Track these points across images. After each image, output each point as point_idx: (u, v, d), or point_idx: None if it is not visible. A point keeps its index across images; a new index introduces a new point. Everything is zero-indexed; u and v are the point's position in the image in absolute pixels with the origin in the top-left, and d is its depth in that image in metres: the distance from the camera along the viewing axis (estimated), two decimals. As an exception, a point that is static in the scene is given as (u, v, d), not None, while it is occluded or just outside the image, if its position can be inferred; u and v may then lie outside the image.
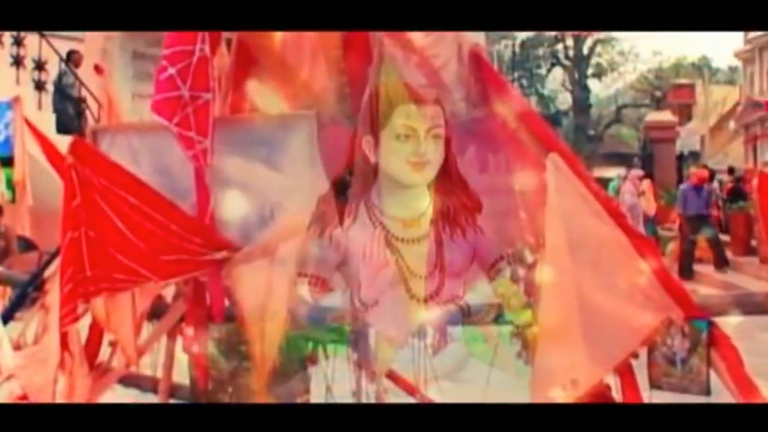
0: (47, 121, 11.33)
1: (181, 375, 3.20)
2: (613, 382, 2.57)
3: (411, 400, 3.05)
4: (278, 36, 3.06)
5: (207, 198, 2.85)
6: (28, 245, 7.56)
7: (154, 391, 3.41)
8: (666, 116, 25.52)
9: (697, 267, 16.11)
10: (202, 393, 2.93)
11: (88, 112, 12.93)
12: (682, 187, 17.23)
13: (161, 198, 2.78)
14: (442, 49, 2.88)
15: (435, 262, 2.74)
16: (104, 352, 3.28)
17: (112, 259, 2.76)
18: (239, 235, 2.85)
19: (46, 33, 12.20)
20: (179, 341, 3.19)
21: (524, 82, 43.96)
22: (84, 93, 12.98)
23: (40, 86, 12.83)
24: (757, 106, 29.98)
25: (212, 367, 2.89)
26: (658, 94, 30.70)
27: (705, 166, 19.16)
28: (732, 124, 35.00)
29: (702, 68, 46.54)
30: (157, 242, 2.76)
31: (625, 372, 2.56)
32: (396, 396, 3.14)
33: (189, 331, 3.01)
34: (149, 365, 3.36)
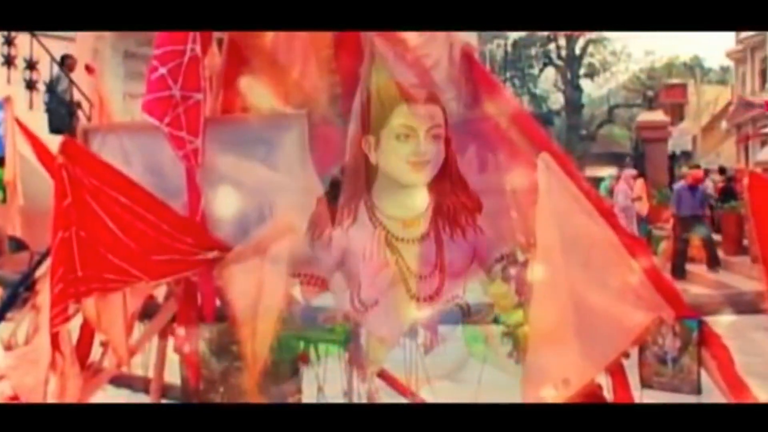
0: (38, 121, 11.30)
1: (173, 375, 3.20)
2: (604, 381, 2.58)
3: (403, 399, 3.05)
4: (269, 36, 3.06)
5: (198, 198, 2.85)
6: (19, 245, 7.53)
7: (146, 391, 3.41)
8: (658, 116, 25.56)
9: (689, 266, 16.14)
10: (194, 393, 2.92)
11: (81, 114, 12.90)
12: (677, 186, 17.25)
13: (152, 198, 2.78)
14: (433, 48, 2.88)
15: (435, 262, 2.74)
16: (95, 352, 3.27)
17: (103, 259, 2.75)
18: (230, 235, 2.84)
19: (37, 33, 12.17)
20: (170, 341, 3.18)
21: (516, 81, 44.04)
22: (79, 97, 12.95)
23: (31, 86, 12.80)
24: (748, 106, 30.09)
25: (204, 367, 2.89)
26: (650, 93, 30.72)
27: (697, 166, 19.20)
28: (724, 124, 35.16)
29: (694, 68, 46.72)
30: (148, 242, 2.76)
31: (616, 371, 2.56)
32: (388, 396, 3.14)
33: (180, 331, 3.01)
34: (140, 365, 3.35)
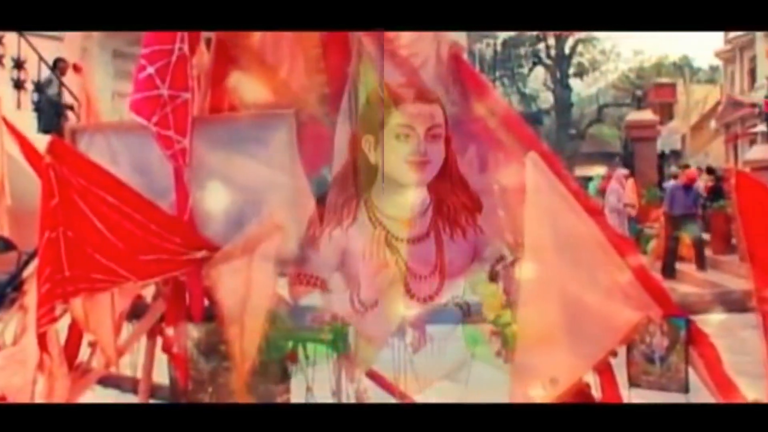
0: (26, 121, 11.26)
1: (161, 375, 3.19)
2: (592, 380, 2.58)
3: (392, 399, 3.05)
4: (257, 35, 3.05)
5: (186, 197, 2.84)
6: (6, 245, 7.48)
7: (134, 391, 3.40)
8: (647, 115, 25.60)
9: (678, 265, 16.18)
10: (182, 393, 2.92)
11: (73, 115, 12.85)
12: (671, 185, 17.27)
13: (140, 197, 2.77)
14: (421, 48, 2.88)
15: (435, 262, 2.74)
16: (84, 352, 3.26)
17: (91, 259, 2.74)
18: (219, 235, 2.84)
19: (24, 32, 12.12)
20: (159, 341, 3.17)
21: (506, 81, 44.03)
22: (70, 100, 12.90)
23: (19, 85, 12.73)
24: (737, 106, 30.18)
25: (192, 367, 2.88)
26: (639, 93, 30.76)
27: (687, 166, 19.24)
28: (713, 123, 35.25)
29: (683, 68, 46.83)
30: (136, 242, 2.75)
31: (604, 370, 2.57)
32: (377, 396, 3.14)
33: (169, 331, 3.00)
34: (129, 365, 3.33)
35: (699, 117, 38.98)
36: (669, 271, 15.44)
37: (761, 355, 2.38)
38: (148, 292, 3.21)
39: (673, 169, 21.38)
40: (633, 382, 2.62)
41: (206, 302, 2.91)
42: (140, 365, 3.35)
